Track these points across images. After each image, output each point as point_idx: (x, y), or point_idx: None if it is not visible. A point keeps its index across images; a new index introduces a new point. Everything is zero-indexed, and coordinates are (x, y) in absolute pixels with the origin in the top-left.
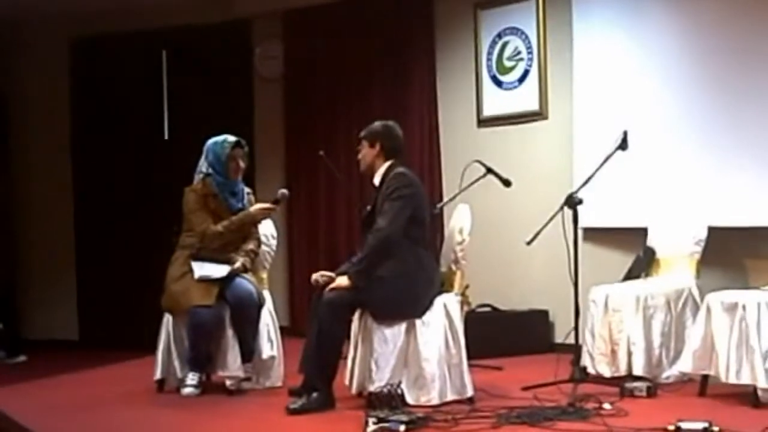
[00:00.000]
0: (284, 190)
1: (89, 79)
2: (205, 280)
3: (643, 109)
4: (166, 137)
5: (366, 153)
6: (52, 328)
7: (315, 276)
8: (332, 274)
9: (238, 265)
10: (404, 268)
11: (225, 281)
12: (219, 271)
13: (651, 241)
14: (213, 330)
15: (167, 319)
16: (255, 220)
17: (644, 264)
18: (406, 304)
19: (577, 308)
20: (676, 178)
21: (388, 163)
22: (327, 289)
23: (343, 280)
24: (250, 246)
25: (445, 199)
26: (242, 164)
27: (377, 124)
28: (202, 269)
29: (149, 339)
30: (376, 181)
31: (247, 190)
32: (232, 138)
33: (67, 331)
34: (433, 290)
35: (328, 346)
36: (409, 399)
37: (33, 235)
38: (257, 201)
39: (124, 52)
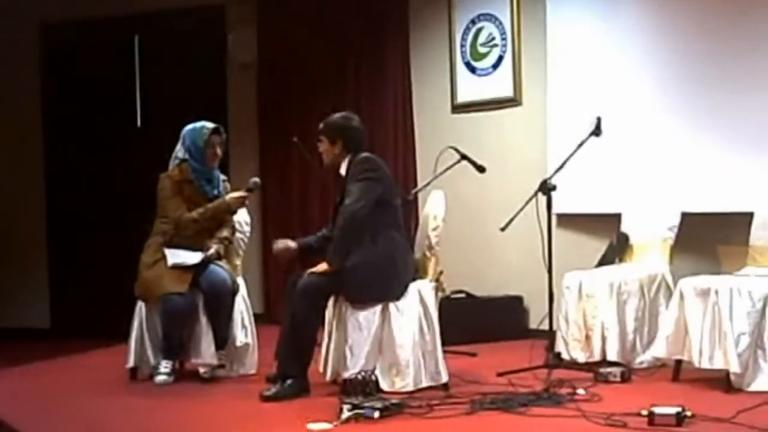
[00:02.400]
0: (256, 179)
1: (60, 65)
2: (179, 267)
3: (617, 95)
4: (139, 124)
5: (327, 150)
6: (23, 316)
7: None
8: (292, 243)
9: (211, 252)
10: (378, 251)
11: (198, 268)
12: (192, 258)
13: (624, 226)
14: (186, 317)
15: (140, 306)
16: (230, 209)
17: (618, 250)
18: (381, 287)
19: (551, 294)
20: (649, 165)
21: (350, 154)
22: (307, 273)
23: (322, 265)
24: (224, 233)
25: (420, 185)
26: (219, 151)
27: (336, 118)
28: (176, 256)
29: (122, 327)
30: (343, 171)
31: (222, 177)
32: (210, 124)
33: (39, 319)
34: (408, 273)
35: (302, 333)
36: (384, 385)
37: (4, 223)
38: (232, 188)
39: (95, 37)
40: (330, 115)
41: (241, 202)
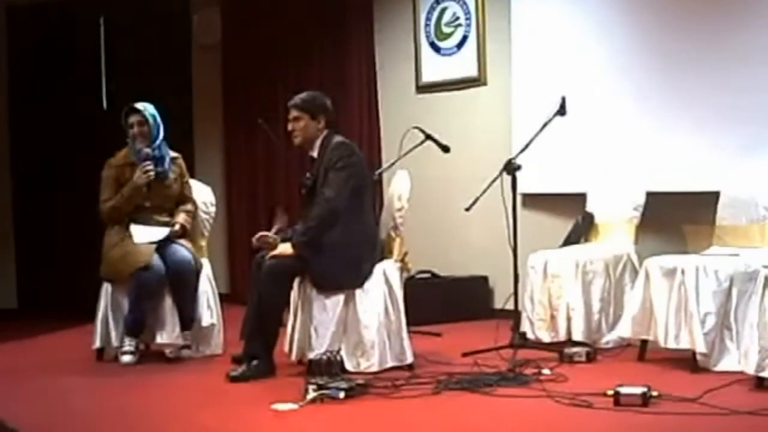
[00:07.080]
0: (147, 150)
1: (26, 48)
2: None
3: (582, 74)
4: (105, 106)
5: (308, 126)
6: None
7: (257, 237)
8: (273, 235)
9: (177, 227)
10: (350, 238)
11: (161, 248)
12: (158, 233)
13: (590, 206)
14: (156, 293)
15: (106, 287)
16: (138, 185)
17: (583, 229)
18: (348, 276)
19: (516, 274)
20: (614, 144)
21: (324, 134)
22: (269, 256)
23: (287, 248)
24: (188, 206)
25: (384, 165)
26: (138, 130)
27: (315, 94)
28: (141, 233)
29: (89, 307)
30: (315, 153)
31: (173, 154)
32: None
33: (6, 299)
34: (375, 260)
35: (268, 314)
36: (349, 366)
37: None
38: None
39: (61, 19)
40: (300, 94)
41: (146, 175)
